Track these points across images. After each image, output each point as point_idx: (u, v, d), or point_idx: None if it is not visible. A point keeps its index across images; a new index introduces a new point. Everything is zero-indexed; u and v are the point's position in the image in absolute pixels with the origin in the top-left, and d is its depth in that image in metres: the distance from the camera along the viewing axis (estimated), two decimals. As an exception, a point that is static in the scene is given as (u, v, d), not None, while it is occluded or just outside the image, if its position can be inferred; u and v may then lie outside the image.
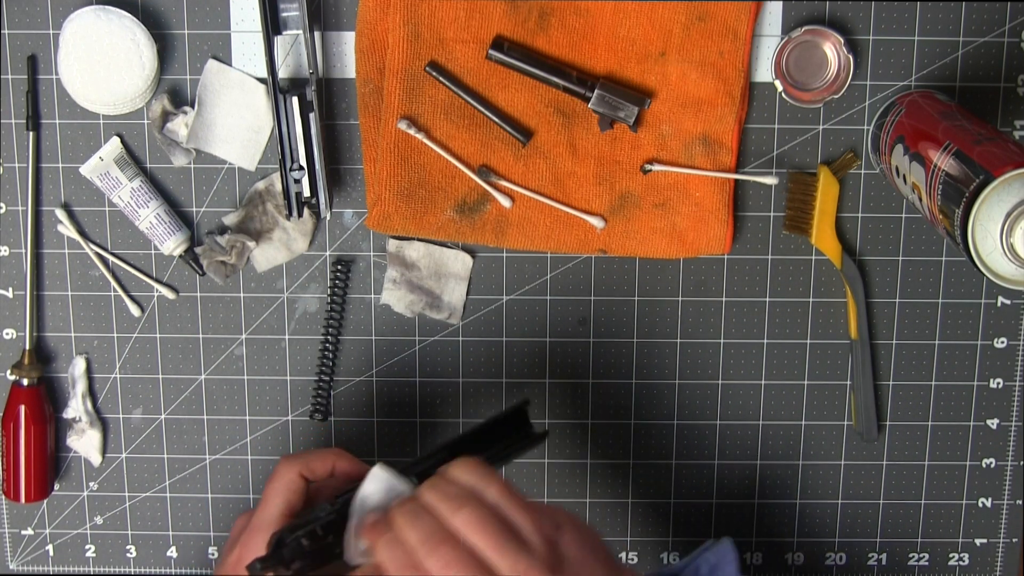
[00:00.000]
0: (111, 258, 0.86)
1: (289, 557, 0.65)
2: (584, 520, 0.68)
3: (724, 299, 0.86)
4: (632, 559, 0.90)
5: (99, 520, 0.89)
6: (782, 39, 0.82)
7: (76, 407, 0.87)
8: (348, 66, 0.83)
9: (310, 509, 0.69)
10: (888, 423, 0.88)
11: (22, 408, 0.85)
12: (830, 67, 0.82)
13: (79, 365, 0.87)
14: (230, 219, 0.85)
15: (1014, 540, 0.90)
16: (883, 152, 0.81)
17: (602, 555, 0.66)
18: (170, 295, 0.86)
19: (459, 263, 0.86)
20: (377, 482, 0.67)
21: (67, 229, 0.85)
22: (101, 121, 0.84)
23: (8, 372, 0.86)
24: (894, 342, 0.87)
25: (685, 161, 0.83)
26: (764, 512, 0.90)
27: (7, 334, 0.87)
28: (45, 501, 0.89)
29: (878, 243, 0.86)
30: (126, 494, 0.89)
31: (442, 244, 0.85)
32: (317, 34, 0.82)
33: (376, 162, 0.82)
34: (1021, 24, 0.83)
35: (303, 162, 0.81)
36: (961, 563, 0.91)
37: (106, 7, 0.80)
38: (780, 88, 0.82)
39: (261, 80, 0.83)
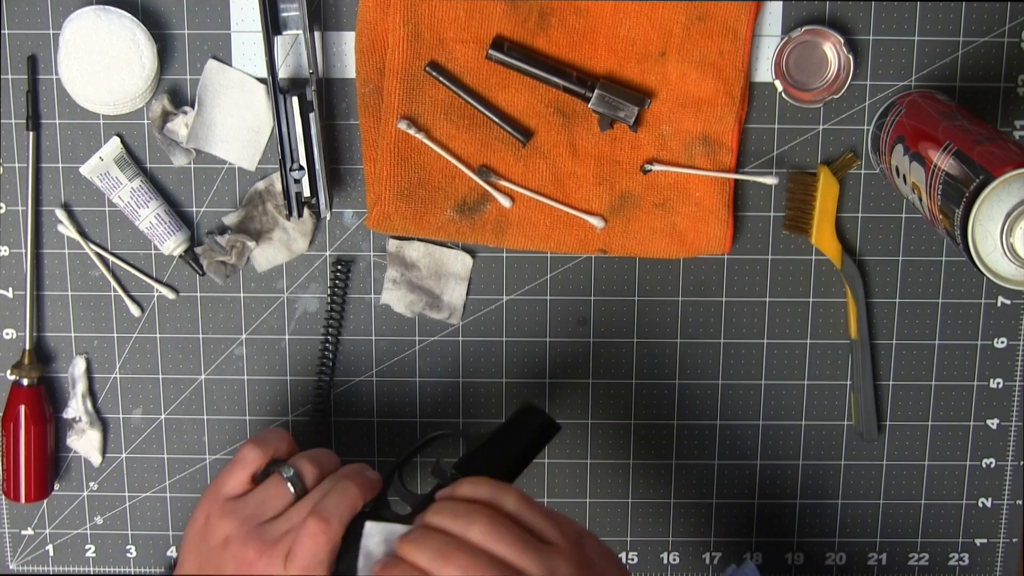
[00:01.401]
0: (111, 258, 0.86)
1: None
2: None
3: (724, 299, 0.86)
4: (632, 559, 0.90)
5: (99, 520, 0.89)
6: (782, 39, 0.82)
7: (76, 407, 0.87)
8: (348, 66, 0.83)
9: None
10: (888, 423, 0.88)
11: (22, 408, 0.85)
12: (830, 67, 0.82)
13: (79, 365, 0.87)
14: (230, 219, 0.85)
15: (1014, 540, 0.90)
16: (883, 152, 0.81)
17: (622, 571, 0.65)
18: (170, 295, 0.86)
19: (459, 263, 0.86)
20: (372, 536, 0.65)
21: (67, 229, 0.85)
22: (101, 121, 0.84)
23: (8, 372, 0.86)
24: (894, 342, 0.87)
25: (685, 161, 0.83)
26: (764, 512, 0.90)
27: (7, 334, 0.87)
28: (45, 501, 0.89)
29: (878, 243, 0.85)
30: (126, 494, 0.89)
31: (442, 244, 0.85)
32: (317, 34, 0.82)
33: (376, 162, 0.82)
34: (1021, 24, 0.83)
35: (303, 162, 0.81)
36: (961, 563, 0.91)
37: (106, 7, 0.80)
38: (780, 88, 0.82)
39: (261, 80, 0.83)
